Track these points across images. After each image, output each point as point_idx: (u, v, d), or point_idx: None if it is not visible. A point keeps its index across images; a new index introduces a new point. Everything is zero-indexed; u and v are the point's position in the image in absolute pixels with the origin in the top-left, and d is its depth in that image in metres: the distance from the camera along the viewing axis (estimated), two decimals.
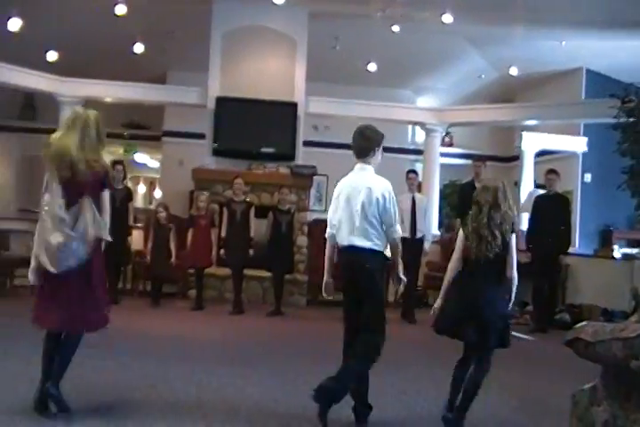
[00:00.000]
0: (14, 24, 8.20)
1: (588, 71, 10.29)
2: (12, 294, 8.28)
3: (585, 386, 3.01)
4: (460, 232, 3.80)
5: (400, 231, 3.79)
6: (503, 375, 5.08)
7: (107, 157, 13.89)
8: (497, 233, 3.54)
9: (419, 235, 7.99)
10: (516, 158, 11.42)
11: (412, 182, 8.26)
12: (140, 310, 7.71)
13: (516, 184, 10.99)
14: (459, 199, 8.35)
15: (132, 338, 5.89)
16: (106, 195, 3.76)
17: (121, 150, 12.77)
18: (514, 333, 7.29)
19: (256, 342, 6.11)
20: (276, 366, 4.93)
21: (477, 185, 7.91)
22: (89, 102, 10.48)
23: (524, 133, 10.54)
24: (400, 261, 3.82)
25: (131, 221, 8.28)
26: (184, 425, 3.43)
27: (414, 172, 8.51)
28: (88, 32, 9.78)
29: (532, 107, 10.33)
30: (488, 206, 3.61)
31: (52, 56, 9.48)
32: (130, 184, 9.33)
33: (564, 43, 9.15)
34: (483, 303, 3.52)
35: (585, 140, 10.10)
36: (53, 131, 10.44)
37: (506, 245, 3.57)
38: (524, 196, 10.13)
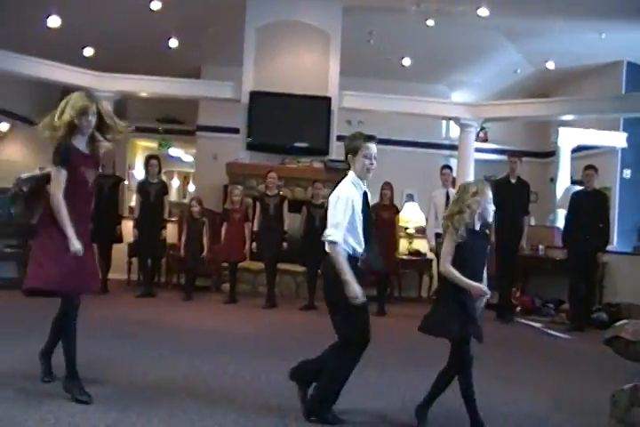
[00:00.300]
0: (53, 21, 8.36)
1: (629, 64, 10.04)
2: None
3: (625, 386, 2.95)
4: None
5: (333, 236, 3.45)
6: (539, 375, 5.04)
7: (143, 152, 14.05)
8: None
9: None
10: (552, 154, 11.25)
11: (447, 178, 8.22)
12: (173, 303, 7.78)
13: (552, 180, 10.83)
14: (493, 195, 8.22)
15: (166, 330, 5.96)
16: (52, 171, 3.65)
17: (156, 145, 12.90)
18: (550, 331, 7.30)
19: (289, 336, 6.12)
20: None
21: (513, 180, 7.84)
22: (125, 97, 10.66)
23: (561, 129, 10.36)
24: (345, 271, 3.43)
25: (166, 215, 8.36)
26: (216, 416, 3.46)
27: (448, 167, 8.45)
28: (124, 28, 9.87)
29: (568, 101, 10.12)
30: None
31: (88, 52, 9.60)
32: (164, 178, 9.40)
33: (603, 35, 8.94)
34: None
35: (624, 135, 9.89)
36: None
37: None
38: (559, 192, 9.99)
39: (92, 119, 3.68)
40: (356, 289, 3.41)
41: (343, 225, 3.48)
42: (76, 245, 3.57)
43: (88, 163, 3.74)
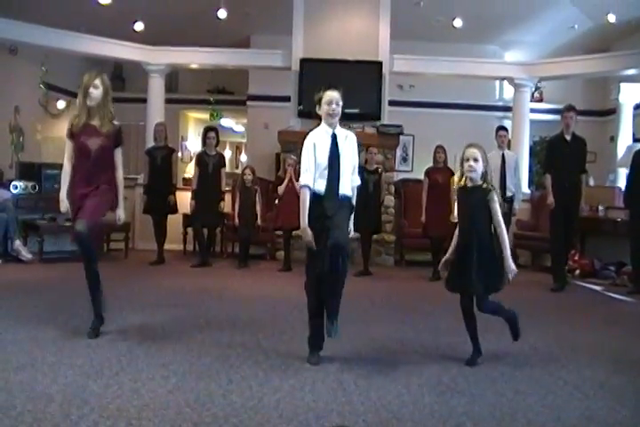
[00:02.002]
0: None
1: None
2: (108, 257, 8.68)
3: None
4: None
5: (302, 180, 3.99)
6: (600, 338, 4.96)
7: (195, 123, 14.18)
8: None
9: (508, 193, 7.79)
10: (612, 112, 10.88)
11: (503, 140, 8.02)
12: (229, 272, 7.91)
13: (612, 139, 10.50)
14: (547, 154, 7.75)
15: (222, 299, 6.08)
16: None
17: (207, 116, 13.01)
18: (611, 294, 7.15)
19: (345, 302, 6.13)
20: (366, 326, 4.97)
21: (568, 137, 7.34)
22: (175, 69, 10.75)
23: (622, 85, 9.99)
24: (303, 217, 3.99)
25: (223, 187, 8.44)
26: (274, 383, 3.52)
27: (504, 128, 8.24)
28: (172, 0, 9.91)
29: (630, 55, 9.52)
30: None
31: (139, 26, 9.70)
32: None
33: None
34: None
35: None
36: (142, 100, 10.75)
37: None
38: (620, 151, 9.68)
39: (94, 91, 4.29)
40: (308, 235, 3.96)
41: (311, 170, 3.95)
42: (61, 207, 4.42)
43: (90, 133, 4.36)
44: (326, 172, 3.94)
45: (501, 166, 7.81)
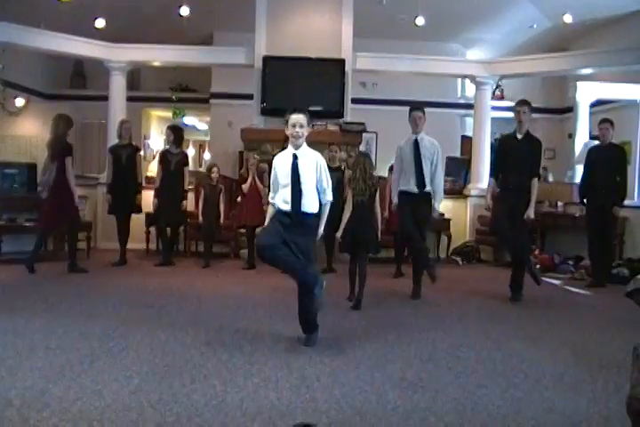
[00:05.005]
0: None
1: None
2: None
3: None
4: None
5: (269, 199, 4.43)
6: (560, 331, 5.06)
7: (157, 121, 14.04)
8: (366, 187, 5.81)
9: (428, 188, 6.41)
10: (570, 110, 11.07)
11: (417, 122, 6.39)
12: (192, 271, 7.87)
13: (571, 136, 10.68)
14: (497, 153, 6.80)
15: (186, 298, 6.04)
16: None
17: (170, 114, 12.89)
18: (570, 288, 7.28)
19: None
20: (329, 322, 4.98)
21: (520, 136, 6.33)
22: (137, 67, 10.62)
23: (579, 83, 10.17)
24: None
25: (186, 186, 8.37)
26: (238, 381, 3.51)
27: (420, 110, 6.43)
28: None
29: (587, 54, 9.77)
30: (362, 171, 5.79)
31: (100, 23, 9.54)
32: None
33: None
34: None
35: None
36: (103, 98, 10.79)
37: (372, 194, 5.83)
38: (578, 148, 9.86)
39: None
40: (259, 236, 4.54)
41: (273, 188, 4.32)
42: None
43: None
44: (288, 189, 4.18)
45: (414, 155, 6.33)
